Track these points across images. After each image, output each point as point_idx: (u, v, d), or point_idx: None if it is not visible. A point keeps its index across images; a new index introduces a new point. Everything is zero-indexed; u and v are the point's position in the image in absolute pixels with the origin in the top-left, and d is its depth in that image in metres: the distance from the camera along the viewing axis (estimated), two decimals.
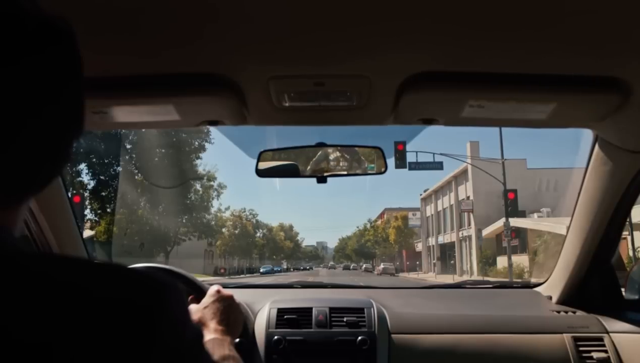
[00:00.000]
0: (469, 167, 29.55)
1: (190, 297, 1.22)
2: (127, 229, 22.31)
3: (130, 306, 0.43)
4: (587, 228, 1.55)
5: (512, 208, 20.11)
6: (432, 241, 40.16)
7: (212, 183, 28.57)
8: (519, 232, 23.38)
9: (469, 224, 31.60)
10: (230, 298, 1.08)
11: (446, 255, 36.84)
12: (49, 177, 0.51)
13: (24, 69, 0.45)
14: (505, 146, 42.33)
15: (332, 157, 1.47)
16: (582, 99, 1.07)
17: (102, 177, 20.93)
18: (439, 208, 38.72)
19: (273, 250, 59.27)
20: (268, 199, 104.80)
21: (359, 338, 1.49)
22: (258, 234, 52.87)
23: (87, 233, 18.18)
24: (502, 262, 24.51)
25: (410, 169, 22.46)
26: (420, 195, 44.43)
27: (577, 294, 1.68)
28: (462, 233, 32.96)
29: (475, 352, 1.51)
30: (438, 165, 23.77)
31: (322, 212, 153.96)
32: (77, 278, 0.44)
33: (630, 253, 14.14)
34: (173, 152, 23.19)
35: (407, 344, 1.52)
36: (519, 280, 16.34)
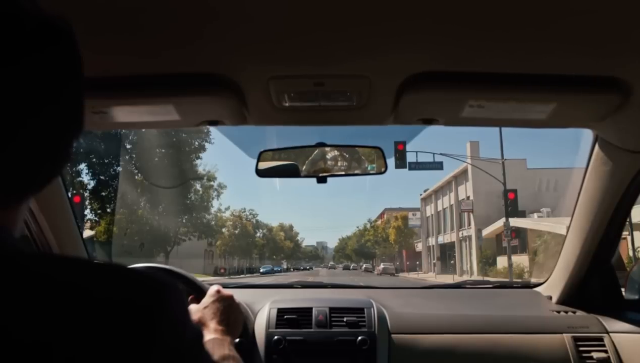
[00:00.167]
0: (469, 167, 29.55)
1: (190, 297, 1.22)
2: (127, 229, 22.31)
3: (130, 306, 0.43)
4: (587, 228, 1.55)
5: (512, 208, 20.11)
6: (432, 241, 40.16)
7: (212, 183, 28.61)
8: (519, 232, 23.38)
9: (469, 224, 31.60)
10: (230, 298, 1.08)
11: (446, 255, 36.84)
12: (48, 176, 0.51)
13: (24, 69, 0.45)
14: (505, 146, 42.37)
15: (332, 157, 1.47)
16: (582, 99, 1.07)
17: (102, 177, 20.93)
18: (439, 208, 38.72)
19: (273, 250, 59.27)
20: (268, 199, 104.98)
21: (359, 338, 1.49)
22: (258, 234, 52.89)
23: (87, 233, 18.18)
24: (502, 262, 24.52)
25: (410, 169, 22.47)
26: (420, 195, 44.46)
27: (577, 294, 1.68)
28: (462, 233, 32.96)
29: (475, 352, 1.51)
30: (438, 165, 23.78)
31: (322, 212, 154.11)
32: (77, 279, 0.44)
33: (630, 253, 14.14)
34: (173, 152, 23.20)
35: (407, 344, 1.52)
36: (519, 280, 16.35)
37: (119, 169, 21.67)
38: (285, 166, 1.49)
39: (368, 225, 61.88)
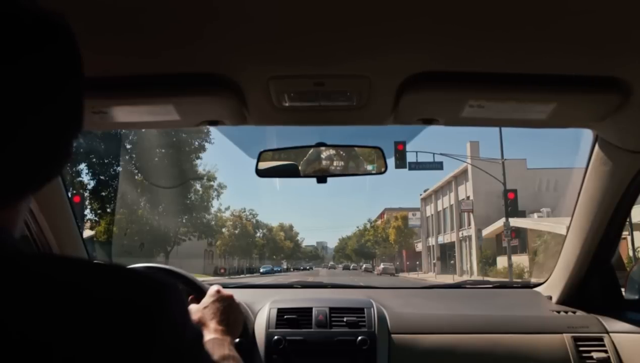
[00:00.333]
0: (469, 167, 29.54)
1: (190, 297, 1.22)
2: (127, 229, 22.31)
3: (130, 306, 0.43)
4: (587, 228, 1.55)
5: (512, 208, 20.11)
6: (432, 241, 40.16)
7: (212, 183, 28.61)
8: (519, 232, 23.38)
9: (469, 224, 31.60)
10: (230, 298, 1.08)
11: (446, 255, 36.84)
12: (47, 176, 0.51)
13: (23, 67, 0.45)
14: (505, 146, 42.39)
15: (332, 157, 1.47)
16: (582, 99, 1.07)
17: (102, 177, 20.93)
18: (439, 208, 38.72)
19: (273, 250, 59.27)
20: (268, 199, 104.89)
21: (359, 338, 1.49)
22: (258, 234, 52.89)
23: (87, 233, 18.17)
24: (502, 262, 24.51)
25: (410, 169, 22.47)
26: (420, 195, 44.45)
27: (577, 294, 1.68)
28: (462, 233, 32.96)
29: (475, 352, 1.50)
30: (438, 165, 23.78)
31: (322, 212, 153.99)
32: (77, 279, 0.44)
33: (630, 253, 14.14)
34: (173, 152, 23.20)
35: (407, 344, 1.52)
36: (519, 280, 16.34)
37: (119, 169, 21.68)
38: (285, 166, 1.49)
39: (368, 225, 61.89)
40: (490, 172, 21.79)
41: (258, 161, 1.45)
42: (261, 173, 1.46)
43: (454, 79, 1.01)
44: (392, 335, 1.53)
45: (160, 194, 22.95)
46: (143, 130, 18.43)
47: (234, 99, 1.08)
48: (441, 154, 36.72)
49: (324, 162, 1.47)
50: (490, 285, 2.16)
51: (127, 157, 22.10)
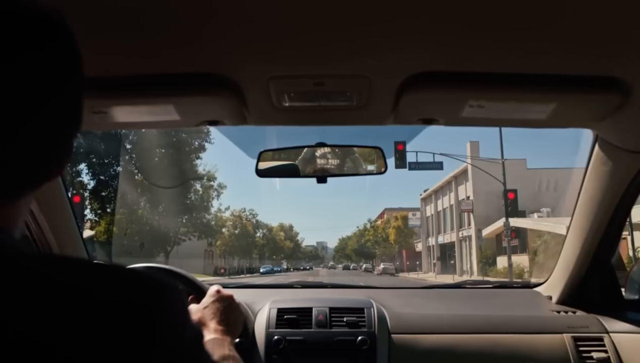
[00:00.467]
0: (469, 167, 29.54)
1: (190, 297, 1.22)
2: (127, 229, 22.30)
3: (130, 306, 0.43)
4: (587, 228, 1.55)
5: (512, 208, 20.11)
6: (432, 241, 40.15)
7: (212, 183, 28.61)
8: (519, 232, 23.38)
9: (469, 224, 31.60)
10: (230, 298, 1.08)
11: (446, 255, 36.83)
12: (46, 174, 0.51)
13: (23, 66, 0.45)
14: (505, 146, 42.40)
15: (332, 157, 1.47)
16: (582, 99, 1.07)
17: (102, 177, 20.93)
18: (439, 208, 38.71)
19: (273, 250, 59.26)
20: (268, 199, 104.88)
21: (359, 338, 1.49)
22: (258, 234, 52.89)
23: (87, 233, 18.17)
24: (502, 262, 24.51)
25: (410, 169, 22.48)
26: (420, 195, 44.45)
27: (577, 294, 1.68)
28: (462, 233, 32.96)
29: (475, 352, 1.50)
30: (438, 165, 23.78)
31: (322, 212, 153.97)
32: (77, 279, 0.44)
33: (630, 253, 14.14)
34: (173, 152, 23.20)
35: (407, 344, 1.52)
36: (519, 280, 16.34)
37: (119, 169, 21.68)
38: (285, 166, 1.48)
39: (368, 225, 61.89)
40: (490, 172, 21.79)
41: (258, 161, 1.45)
42: (261, 173, 1.46)
43: (454, 79, 1.01)
44: (392, 335, 1.53)
45: (160, 194, 22.95)
46: (143, 130, 18.43)
47: (234, 99, 1.08)
48: (441, 154, 36.78)
49: (324, 162, 1.47)
50: (490, 285, 2.16)
51: (127, 157, 22.10)
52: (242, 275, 37.79)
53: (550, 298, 1.76)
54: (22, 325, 0.39)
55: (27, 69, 0.46)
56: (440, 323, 1.58)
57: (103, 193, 21.00)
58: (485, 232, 27.40)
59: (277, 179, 10.80)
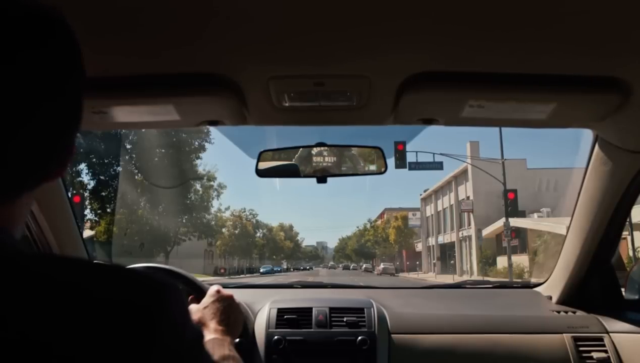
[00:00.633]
0: (469, 167, 29.55)
1: (190, 297, 1.22)
2: (127, 229, 22.31)
3: (130, 306, 0.43)
4: (587, 228, 1.55)
5: (512, 208, 20.11)
6: (432, 241, 40.15)
7: (212, 183, 28.61)
8: (519, 232, 23.38)
9: (469, 224, 31.59)
10: (230, 298, 1.08)
11: (446, 255, 36.83)
12: (45, 173, 0.51)
13: (23, 64, 0.45)
14: (505, 146, 42.41)
15: (332, 157, 1.47)
16: (582, 99, 1.07)
17: (102, 177, 20.94)
18: (439, 208, 38.71)
19: (273, 250, 59.26)
20: (268, 199, 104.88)
21: (359, 338, 1.49)
22: (258, 234, 52.89)
23: (87, 233, 18.17)
24: (502, 262, 24.51)
25: (410, 169, 22.48)
26: (420, 195, 44.45)
27: (577, 294, 1.68)
28: (462, 233, 32.96)
29: (475, 352, 1.50)
30: (438, 165, 23.78)
31: (322, 212, 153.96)
32: (77, 279, 0.44)
33: (630, 253, 14.14)
34: (173, 152, 23.20)
35: (407, 344, 1.52)
36: (519, 280, 16.34)
37: (119, 169, 21.68)
38: (285, 166, 1.48)
39: (368, 225, 61.89)
40: (490, 172, 21.79)
41: (258, 161, 1.45)
42: (261, 173, 1.46)
43: (454, 79, 1.01)
44: (392, 335, 1.53)
45: (160, 194, 22.95)
46: (143, 130, 18.43)
47: (234, 99, 1.08)
48: (441, 154, 36.83)
49: (324, 162, 1.47)
50: (490, 285, 2.15)
51: (127, 157, 22.10)
52: (242, 275, 37.79)
53: (550, 298, 1.76)
54: (22, 325, 0.39)
55: (27, 66, 0.46)
56: (440, 323, 1.58)
57: (103, 193, 21.00)
58: (485, 232, 27.40)
59: (277, 179, 10.81)
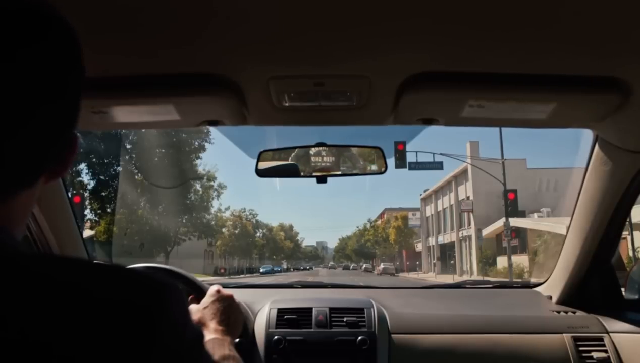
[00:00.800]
0: (469, 167, 29.55)
1: (190, 297, 1.22)
2: (127, 229, 22.30)
3: (130, 306, 0.43)
4: (587, 228, 1.55)
5: (512, 208, 20.11)
6: (432, 241, 40.15)
7: (212, 183, 28.61)
8: (519, 232, 23.38)
9: (469, 224, 31.59)
10: (230, 298, 1.08)
11: (446, 255, 36.83)
12: (42, 171, 0.51)
13: (21, 61, 0.45)
14: (505, 146, 42.43)
15: (332, 157, 1.47)
16: (582, 99, 1.07)
17: (102, 177, 20.94)
18: (439, 208, 38.71)
19: (273, 250, 59.26)
20: (268, 199, 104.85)
21: (359, 338, 1.49)
22: (258, 234, 52.89)
23: (87, 233, 18.17)
24: (502, 262, 24.51)
25: (410, 169, 22.49)
26: (420, 195, 44.45)
27: (577, 294, 1.68)
28: (462, 233, 32.96)
29: (475, 352, 1.50)
30: (438, 165, 23.78)
31: (322, 212, 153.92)
32: (77, 279, 0.44)
33: (630, 253, 14.14)
34: (173, 152, 23.20)
35: (407, 344, 1.52)
36: (519, 280, 16.34)
37: (119, 169, 21.68)
38: (285, 166, 1.48)
39: (368, 225, 61.89)
40: (490, 172, 21.79)
41: (258, 161, 1.45)
42: (261, 173, 1.46)
43: (454, 79, 1.01)
44: (392, 335, 1.53)
45: (160, 194, 22.95)
46: (143, 130, 18.43)
47: (234, 99, 1.08)
48: (441, 154, 36.86)
49: (324, 162, 1.47)
50: (490, 285, 2.15)
51: (127, 157, 22.10)
52: (242, 275, 37.79)
53: (550, 298, 1.76)
54: (22, 325, 0.39)
55: (25, 63, 0.46)
56: (440, 323, 1.58)
57: (103, 193, 21.00)
58: (485, 232, 27.40)
59: (277, 179, 10.81)
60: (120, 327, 0.41)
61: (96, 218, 20.70)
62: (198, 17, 0.80)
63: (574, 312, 1.64)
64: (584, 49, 0.90)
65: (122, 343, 0.41)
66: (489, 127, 2.24)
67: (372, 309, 1.58)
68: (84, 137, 17.61)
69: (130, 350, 0.41)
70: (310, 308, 1.57)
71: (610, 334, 1.52)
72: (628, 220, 2.41)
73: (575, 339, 1.51)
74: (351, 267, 63.06)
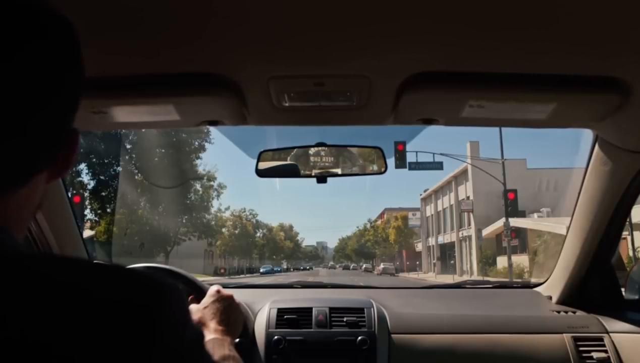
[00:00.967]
0: (469, 167, 29.55)
1: (190, 297, 1.22)
2: (127, 229, 22.31)
3: (130, 307, 0.43)
4: (587, 228, 1.55)
5: (512, 208, 20.11)
6: (432, 241, 40.15)
7: (212, 183, 28.62)
8: (519, 232, 23.38)
9: (469, 224, 31.59)
10: (230, 298, 1.08)
11: (446, 255, 36.83)
12: (32, 169, 0.50)
13: (21, 59, 0.45)
14: (505, 146, 42.46)
15: (332, 157, 1.47)
16: (582, 99, 1.07)
17: (102, 177, 20.94)
18: (439, 208, 38.71)
19: (273, 250, 59.26)
20: (268, 199, 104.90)
21: (359, 338, 1.49)
22: (258, 234, 52.89)
23: (87, 233, 18.17)
24: (502, 262, 24.51)
25: (410, 169, 22.49)
26: (420, 195, 44.45)
27: (577, 294, 1.68)
28: (462, 233, 32.96)
29: (475, 352, 1.50)
30: (438, 165, 23.79)
31: (322, 212, 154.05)
32: (77, 279, 0.44)
33: (630, 253, 14.14)
34: (173, 152, 23.20)
35: (407, 344, 1.52)
36: (519, 280, 16.34)
37: (119, 169, 21.68)
38: (285, 166, 1.48)
39: (368, 225, 61.89)
40: (490, 172, 21.79)
41: (258, 161, 1.45)
42: (261, 173, 1.46)
43: (454, 79, 1.01)
44: (392, 335, 1.53)
45: (160, 194, 22.95)
46: (143, 130, 18.44)
47: (234, 99, 1.08)
48: (441, 154, 36.89)
49: (324, 162, 1.47)
50: (490, 285, 2.15)
51: (127, 157, 22.10)
52: (242, 275, 37.79)
53: (550, 298, 1.76)
54: (21, 325, 0.39)
55: (23, 62, 0.46)
56: (440, 323, 1.58)
57: (103, 194, 21.00)
58: (485, 232, 27.40)
59: (277, 179, 10.81)
60: (120, 327, 0.41)
61: (96, 218, 20.71)
62: (198, 17, 0.80)
63: (574, 312, 1.64)
64: (584, 49, 0.90)
65: (122, 343, 0.41)
66: (489, 127, 2.24)
67: (372, 309, 1.58)
68: (84, 137, 17.61)
69: (131, 350, 0.41)
70: (310, 308, 1.57)
71: (610, 334, 1.52)
72: (628, 220, 2.41)
73: (575, 339, 1.51)
74: (351, 267, 63.07)
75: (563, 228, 2.71)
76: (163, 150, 23.21)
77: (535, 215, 25.13)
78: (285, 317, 1.55)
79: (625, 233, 12.08)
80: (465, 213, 31.95)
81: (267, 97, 1.09)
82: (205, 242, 35.36)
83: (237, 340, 1.12)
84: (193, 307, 1.05)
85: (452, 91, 1.05)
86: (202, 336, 0.52)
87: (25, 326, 0.39)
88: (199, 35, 0.86)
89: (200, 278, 1.54)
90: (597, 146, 1.40)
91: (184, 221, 26.87)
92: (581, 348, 1.49)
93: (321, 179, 1.45)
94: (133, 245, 22.34)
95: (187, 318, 0.48)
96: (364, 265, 58.25)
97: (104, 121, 1.19)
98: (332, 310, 1.57)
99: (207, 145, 25.53)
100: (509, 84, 1.01)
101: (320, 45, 0.90)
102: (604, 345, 1.50)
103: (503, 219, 21.44)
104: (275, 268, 47.42)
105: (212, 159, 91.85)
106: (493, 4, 0.76)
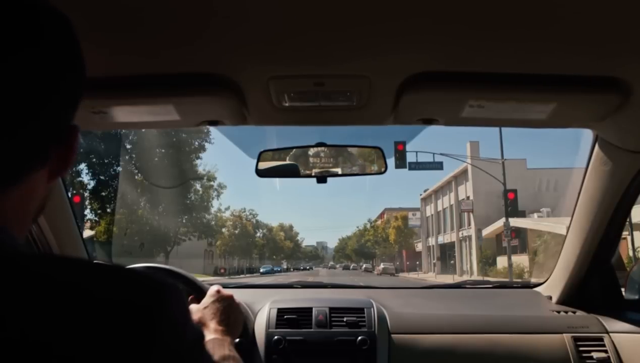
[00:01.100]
0: (469, 167, 29.55)
1: (190, 297, 1.22)
2: (127, 229, 22.31)
3: (130, 307, 0.43)
4: (587, 228, 1.55)
5: (512, 208, 20.12)
6: (432, 241, 40.15)
7: (212, 183, 28.62)
8: (519, 232, 23.38)
9: (469, 224, 31.59)
10: (230, 298, 1.08)
11: (446, 255, 36.83)
12: (26, 167, 0.50)
13: (20, 58, 0.45)
14: (505, 146, 42.47)
15: (332, 157, 1.47)
16: (582, 99, 1.07)
17: (102, 177, 20.94)
18: (439, 208, 38.71)
19: (273, 250, 59.26)
20: (268, 199, 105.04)
21: (359, 338, 1.49)
22: (258, 234, 52.90)
23: (87, 233, 18.17)
24: (502, 262, 24.51)
25: (410, 169, 22.50)
26: (420, 195, 44.46)
27: (577, 294, 1.68)
28: (462, 233, 32.96)
29: (475, 352, 1.50)
30: (438, 165, 23.80)
31: (322, 212, 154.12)
32: (77, 279, 0.43)
33: (630, 253, 14.14)
34: (173, 152, 23.21)
35: (407, 344, 1.52)
36: (519, 280, 16.34)
37: (119, 169, 21.68)
38: (285, 166, 1.48)
39: (368, 225, 61.90)
40: (490, 172, 21.79)
41: (258, 161, 1.45)
42: (261, 173, 1.46)
43: (454, 79, 1.01)
44: (392, 335, 1.53)
45: (160, 194, 22.95)
46: (143, 130, 18.44)
47: (234, 99, 1.08)
48: (441, 154, 36.87)
49: (323, 162, 1.47)
50: (490, 285, 2.15)
51: (127, 157, 22.10)
52: (242, 275, 37.79)
53: (550, 298, 1.76)
54: (21, 325, 0.39)
55: (20, 61, 0.46)
56: (440, 323, 1.58)
57: (103, 194, 21.00)
58: (485, 232, 27.40)
59: (277, 179, 10.80)
60: (120, 327, 0.41)
61: (96, 218, 20.71)
62: (198, 17, 0.80)
63: (574, 312, 1.64)
64: (584, 49, 0.90)
65: (122, 343, 0.41)
66: (489, 127, 2.24)
67: (372, 309, 1.58)
68: (84, 137, 17.61)
69: (131, 350, 0.41)
70: (310, 308, 1.57)
71: (610, 334, 1.52)
72: (628, 220, 2.41)
73: (575, 339, 1.51)
74: (351, 267, 63.05)
75: (563, 228, 2.71)
76: (163, 150, 23.21)
77: (535, 215, 25.13)
78: (285, 317, 1.55)
79: (625, 233, 12.08)
80: (465, 213, 31.95)
81: (267, 97, 1.10)
82: (205, 242, 35.37)
83: (237, 340, 1.12)
84: (193, 307, 1.05)
85: (452, 91, 1.05)
86: (202, 336, 0.52)
87: (25, 326, 0.39)
88: (199, 35, 0.86)
89: (200, 278, 1.54)
90: (597, 146, 1.40)
91: (184, 221, 26.88)
92: (581, 348, 1.49)
93: (321, 178, 1.45)
94: (133, 245, 22.34)
95: (187, 319, 0.48)
96: (364, 265, 58.25)
97: (104, 121, 1.19)
98: (332, 310, 1.57)
99: (207, 145, 25.58)
100: (509, 84, 1.01)
101: (320, 45, 0.90)
102: (604, 345, 1.50)
103: (503, 219, 21.44)
104: (275, 269, 47.42)
105: (212, 159, 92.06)
106: (493, 4, 0.76)
